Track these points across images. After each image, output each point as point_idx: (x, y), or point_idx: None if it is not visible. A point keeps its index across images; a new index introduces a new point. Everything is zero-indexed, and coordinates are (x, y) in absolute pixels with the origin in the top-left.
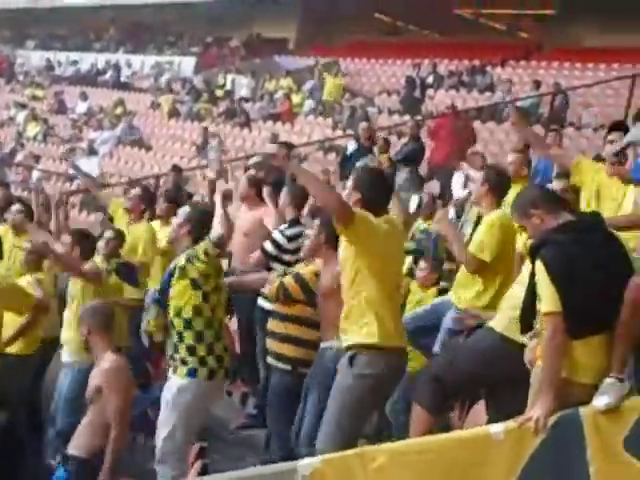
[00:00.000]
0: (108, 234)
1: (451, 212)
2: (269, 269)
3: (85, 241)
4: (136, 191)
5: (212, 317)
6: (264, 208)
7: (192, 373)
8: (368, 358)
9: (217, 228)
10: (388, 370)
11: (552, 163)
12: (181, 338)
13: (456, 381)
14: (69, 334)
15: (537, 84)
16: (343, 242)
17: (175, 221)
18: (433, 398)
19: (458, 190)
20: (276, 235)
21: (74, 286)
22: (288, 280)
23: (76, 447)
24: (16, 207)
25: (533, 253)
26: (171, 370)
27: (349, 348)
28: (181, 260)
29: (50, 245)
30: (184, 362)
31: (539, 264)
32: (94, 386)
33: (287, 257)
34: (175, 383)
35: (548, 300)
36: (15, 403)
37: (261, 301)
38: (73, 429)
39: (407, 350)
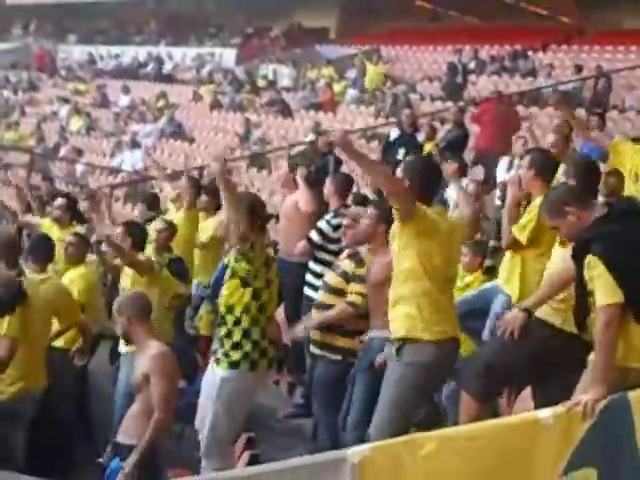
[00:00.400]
0: (160, 225)
1: (497, 195)
2: (315, 259)
3: (137, 232)
4: (183, 182)
5: (259, 315)
6: (299, 191)
7: (234, 366)
8: (415, 347)
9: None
10: (436, 359)
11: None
12: (229, 334)
13: (505, 370)
14: None
15: (579, 68)
16: (400, 233)
17: (223, 215)
18: (481, 386)
19: (502, 174)
20: (322, 224)
21: (125, 279)
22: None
23: (127, 435)
24: (58, 202)
25: (581, 251)
26: (213, 363)
27: (396, 339)
28: (231, 260)
29: (113, 237)
30: (227, 355)
31: (593, 259)
32: (141, 374)
33: (332, 246)
34: (218, 375)
35: (607, 292)
36: (62, 395)
37: (308, 290)
38: None
39: (459, 339)
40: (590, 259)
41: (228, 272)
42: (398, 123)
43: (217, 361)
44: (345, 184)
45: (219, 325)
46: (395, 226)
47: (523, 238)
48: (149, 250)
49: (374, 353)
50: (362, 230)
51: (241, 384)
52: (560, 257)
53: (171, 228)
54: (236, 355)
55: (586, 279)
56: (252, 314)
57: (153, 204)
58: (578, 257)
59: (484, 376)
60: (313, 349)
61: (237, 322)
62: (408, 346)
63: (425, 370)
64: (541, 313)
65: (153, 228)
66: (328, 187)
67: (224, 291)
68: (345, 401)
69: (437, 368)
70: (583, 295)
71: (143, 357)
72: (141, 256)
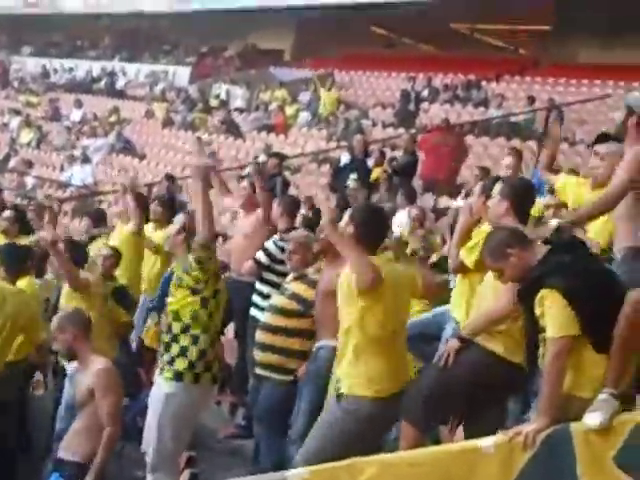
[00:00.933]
0: (104, 252)
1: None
2: (262, 279)
3: (77, 250)
4: (129, 200)
5: (209, 323)
6: (259, 210)
7: (178, 377)
8: (354, 399)
9: (199, 229)
10: (369, 415)
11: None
12: (176, 339)
13: (445, 397)
14: None
15: (531, 99)
16: (345, 289)
17: (171, 229)
18: (422, 414)
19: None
20: (269, 245)
21: (63, 296)
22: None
23: (70, 451)
24: (6, 213)
25: (531, 290)
26: (157, 371)
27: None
28: (178, 271)
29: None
30: (172, 362)
31: (547, 292)
32: (85, 389)
33: (279, 267)
34: (162, 390)
35: (561, 324)
36: (5, 409)
37: (253, 310)
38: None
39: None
40: (543, 293)
41: (175, 281)
42: (349, 148)
43: (161, 370)
44: (292, 206)
45: (165, 333)
46: (342, 281)
47: (470, 261)
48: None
49: (322, 362)
50: (322, 239)
51: (186, 398)
52: (492, 288)
53: (116, 255)
54: (181, 363)
55: (537, 316)
56: (202, 321)
57: (99, 220)
58: (526, 297)
59: (424, 404)
60: (259, 370)
61: (185, 329)
62: (347, 396)
63: (357, 422)
64: (482, 340)
65: (96, 247)
66: (275, 208)
67: (170, 299)
68: (294, 411)
69: (371, 422)
70: (534, 333)
71: (87, 373)
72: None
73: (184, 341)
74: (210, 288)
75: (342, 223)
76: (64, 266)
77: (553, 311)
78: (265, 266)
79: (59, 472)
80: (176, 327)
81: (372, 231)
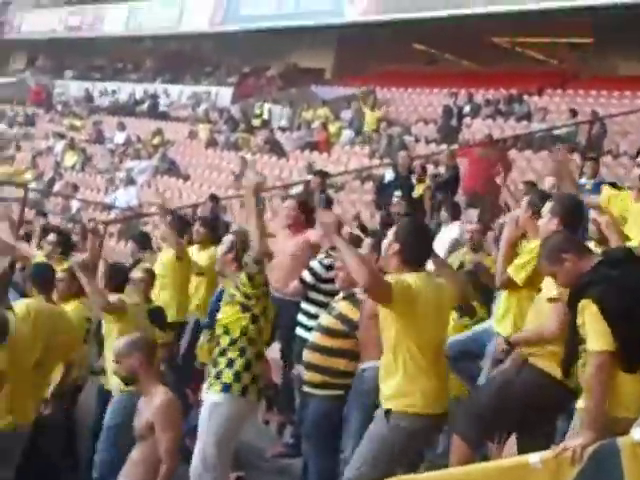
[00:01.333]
0: (137, 274)
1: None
2: (308, 299)
3: (117, 273)
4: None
5: (257, 338)
6: (309, 231)
7: (226, 388)
8: (404, 417)
9: (253, 245)
10: (423, 430)
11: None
12: (223, 353)
13: (499, 416)
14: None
15: (573, 112)
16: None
17: (220, 249)
18: (474, 431)
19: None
20: (314, 264)
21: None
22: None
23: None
24: (50, 237)
25: (577, 296)
26: (205, 386)
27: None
28: (230, 288)
29: (88, 267)
30: (219, 376)
31: (587, 302)
32: (145, 422)
33: (325, 286)
34: (210, 400)
35: (600, 338)
36: (51, 428)
37: (299, 330)
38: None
39: (447, 413)
40: (584, 303)
41: (226, 298)
42: (393, 165)
43: (210, 385)
44: (337, 224)
45: (214, 348)
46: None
47: (520, 279)
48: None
49: (367, 383)
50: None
51: (232, 410)
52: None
53: (149, 276)
54: (228, 375)
55: (579, 324)
56: (250, 335)
57: (144, 242)
58: (573, 303)
59: (478, 422)
60: (306, 388)
61: (233, 342)
62: (394, 412)
63: (405, 438)
64: (537, 361)
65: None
66: (319, 226)
67: (221, 315)
68: (344, 434)
69: (417, 439)
70: (574, 342)
71: (148, 403)
72: (112, 296)
73: (232, 354)
74: (260, 305)
75: (387, 241)
76: (88, 288)
77: (592, 323)
78: (311, 285)
79: None
80: (224, 341)
81: (417, 248)
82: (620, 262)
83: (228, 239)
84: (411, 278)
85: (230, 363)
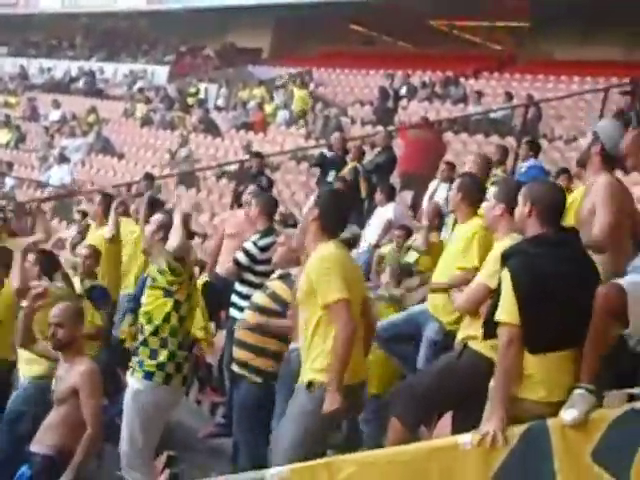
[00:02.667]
0: (84, 251)
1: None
2: (242, 280)
3: (47, 260)
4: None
5: (178, 326)
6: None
7: (148, 376)
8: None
9: (171, 239)
10: (346, 400)
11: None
12: (146, 343)
13: (438, 400)
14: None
15: (509, 96)
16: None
17: (148, 228)
18: (413, 415)
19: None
20: (248, 245)
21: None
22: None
23: (43, 445)
24: None
25: (503, 260)
26: (128, 373)
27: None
28: (152, 270)
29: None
30: (141, 364)
31: (505, 273)
32: (68, 386)
33: (260, 268)
34: (132, 387)
35: (506, 310)
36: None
37: (233, 311)
38: None
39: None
40: (504, 272)
41: (149, 282)
42: (329, 146)
43: (132, 371)
44: (271, 205)
45: (138, 335)
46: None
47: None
48: None
49: (295, 365)
50: (296, 239)
51: (155, 397)
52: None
53: (95, 254)
54: (150, 365)
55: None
56: (172, 324)
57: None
58: (502, 266)
59: (417, 404)
60: (236, 368)
61: (155, 331)
62: (317, 384)
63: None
64: (478, 346)
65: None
66: (254, 208)
67: (145, 300)
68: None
69: (343, 408)
70: (496, 305)
71: (71, 370)
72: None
73: (153, 344)
74: (183, 291)
75: (306, 207)
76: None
77: (504, 294)
78: (245, 267)
79: (28, 464)
80: (147, 329)
81: (335, 215)
82: (545, 242)
83: (157, 218)
84: (332, 250)
85: (152, 354)
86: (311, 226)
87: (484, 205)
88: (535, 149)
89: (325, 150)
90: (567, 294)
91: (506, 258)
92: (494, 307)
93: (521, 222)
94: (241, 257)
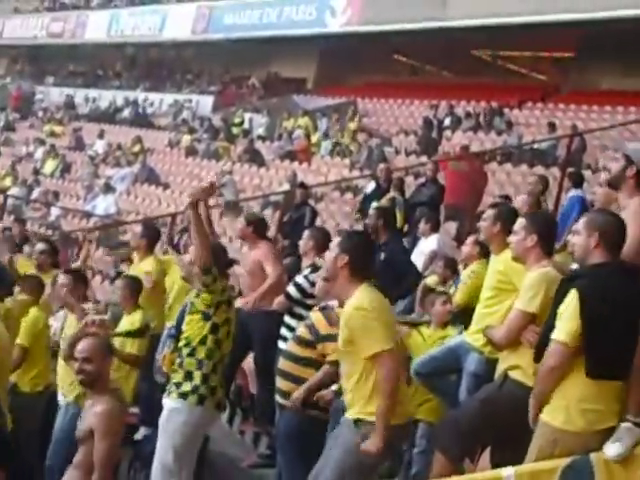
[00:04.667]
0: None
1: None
2: (292, 314)
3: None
4: (139, 229)
5: (214, 349)
6: (261, 247)
7: (183, 396)
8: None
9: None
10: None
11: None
12: (182, 364)
13: (483, 432)
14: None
15: (552, 126)
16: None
17: (187, 258)
18: (459, 448)
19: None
20: (300, 279)
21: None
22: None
23: None
24: (40, 246)
25: (567, 285)
26: (165, 395)
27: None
28: (191, 296)
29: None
30: (178, 386)
31: (573, 293)
32: (87, 427)
33: (310, 301)
34: (167, 407)
35: (566, 331)
36: (29, 436)
37: (282, 344)
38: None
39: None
40: (572, 292)
41: (189, 308)
42: (374, 177)
43: (168, 393)
44: (325, 240)
45: (177, 359)
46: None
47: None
48: None
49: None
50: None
51: (188, 417)
52: None
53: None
54: (186, 386)
55: (559, 313)
56: (208, 346)
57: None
58: (561, 290)
59: (461, 437)
60: (278, 398)
61: (192, 353)
62: (366, 425)
63: None
64: (519, 376)
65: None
66: (306, 242)
67: (185, 326)
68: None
69: (390, 447)
70: (551, 329)
71: (91, 409)
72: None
73: (189, 365)
74: (221, 315)
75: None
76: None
77: (567, 313)
78: (295, 300)
79: None
80: (185, 351)
81: (366, 260)
82: (613, 270)
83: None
84: (367, 297)
85: (188, 376)
86: (341, 273)
87: (513, 238)
88: (577, 180)
89: (369, 183)
90: (630, 323)
91: (573, 279)
92: (548, 330)
93: (584, 252)
94: (292, 290)
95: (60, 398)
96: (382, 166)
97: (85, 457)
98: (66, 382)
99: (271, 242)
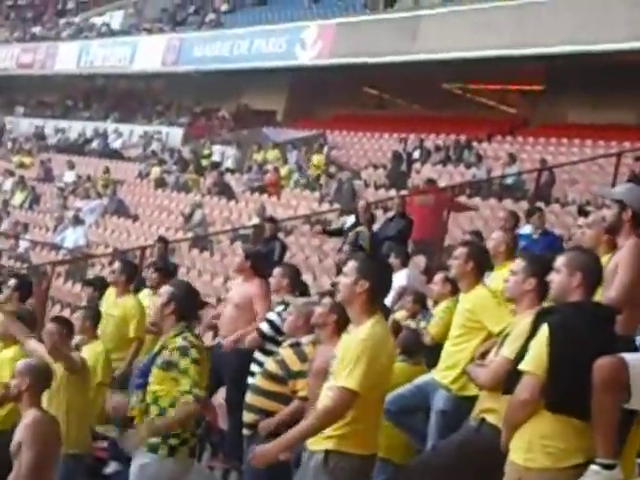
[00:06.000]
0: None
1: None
2: (263, 350)
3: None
4: (117, 265)
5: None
6: (256, 284)
7: (152, 449)
8: (342, 459)
9: None
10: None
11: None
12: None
13: (459, 476)
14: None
15: (513, 158)
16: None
17: (158, 301)
18: None
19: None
20: (272, 316)
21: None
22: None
23: None
24: (11, 282)
25: (541, 316)
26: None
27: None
28: (173, 353)
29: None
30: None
31: (544, 327)
32: (16, 441)
33: (282, 338)
34: (138, 462)
35: (535, 363)
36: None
37: (251, 379)
38: None
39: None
40: (542, 327)
41: (162, 364)
42: (352, 212)
43: None
44: (297, 275)
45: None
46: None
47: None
48: None
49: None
50: (320, 314)
51: (162, 469)
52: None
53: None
54: (154, 439)
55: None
56: (178, 405)
57: (101, 288)
58: (533, 325)
59: (435, 479)
60: (245, 431)
61: (161, 412)
62: (334, 456)
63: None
64: (495, 420)
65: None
66: (279, 279)
67: (151, 378)
68: None
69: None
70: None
71: (20, 425)
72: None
73: (158, 420)
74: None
75: (348, 279)
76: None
77: (536, 345)
78: (269, 337)
79: None
80: (153, 409)
81: (384, 286)
82: (586, 310)
83: (166, 290)
84: (376, 332)
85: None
86: (358, 298)
87: (511, 278)
88: (530, 214)
89: (348, 217)
90: (591, 365)
91: (545, 314)
92: (517, 362)
93: (564, 290)
94: (265, 328)
95: None
96: (362, 203)
97: (17, 472)
98: None
99: (266, 280)
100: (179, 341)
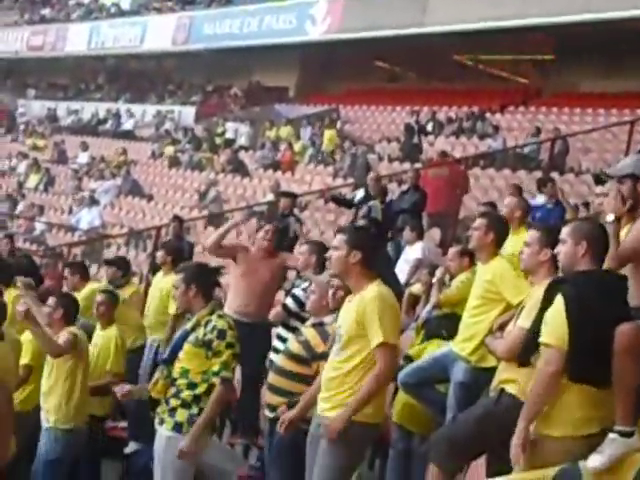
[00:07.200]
0: (100, 297)
1: None
2: (284, 324)
3: (70, 306)
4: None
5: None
6: (282, 255)
7: (178, 428)
8: (354, 429)
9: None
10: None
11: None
12: (178, 395)
13: (476, 444)
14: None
15: (537, 130)
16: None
17: (177, 293)
18: (453, 461)
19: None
20: (298, 292)
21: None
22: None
23: None
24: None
25: (553, 289)
26: (157, 421)
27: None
28: (209, 333)
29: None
30: (172, 413)
31: (559, 298)
32: None
33: (306, 314)
34: (163, 436)
35: (555, 334)
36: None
37: (273, 355)
38: None
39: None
40: (556, 298)
41: (195, 342)
42: (363, 185)
43: (161, 421)
44: (322, 252)
45: (170, 386)
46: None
47: None
48: None
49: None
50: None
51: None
52: None
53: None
54: (181, 415)
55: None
56: (210, 384)
57: (124, 268)
58: (547, 294)
59: (457, 453)
60: (267, 412)
61: (190, 387)
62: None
63: (358, 449)
64: (514, 390)
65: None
66: (307, 257)
67: (181, 355)
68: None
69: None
70: (538, 334)
71: None
72: (62, 337)
73: (187, 397)
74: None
75: (339, 251)
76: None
77: (554, 317)
78: (293, 313)
79: None
80: (181, 383)
81: (374, 253)
82: (596, 279)
83: (178, 278)
84: (384, 291)
85: (185, 405)
86: (354, 269)
87: (526, 250)
88: (543, 184)
89: (358, 191)
90: (608, 332)
91: (558, 284)
92: (536, 334)
93: (571, 260)
94: (290, 302)
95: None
96: (372, 175)
97: None
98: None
99: None
100: (216, 320)
